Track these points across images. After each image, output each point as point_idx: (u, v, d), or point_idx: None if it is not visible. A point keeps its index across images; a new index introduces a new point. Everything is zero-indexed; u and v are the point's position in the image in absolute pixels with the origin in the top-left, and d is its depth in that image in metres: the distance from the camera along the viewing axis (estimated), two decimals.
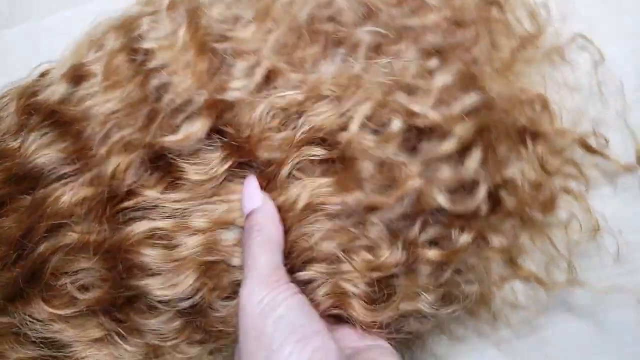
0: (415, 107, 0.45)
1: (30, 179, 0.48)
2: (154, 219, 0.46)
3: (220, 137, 0.47)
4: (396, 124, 0.45)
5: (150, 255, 0.45)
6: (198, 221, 0.46)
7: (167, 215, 0.46)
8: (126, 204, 0.46)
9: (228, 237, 0.47)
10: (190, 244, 0.46)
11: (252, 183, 0.46)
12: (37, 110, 0.50)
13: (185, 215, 0.46)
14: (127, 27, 0.50)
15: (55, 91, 0.50)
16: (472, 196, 0.47)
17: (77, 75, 0.50)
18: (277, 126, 0.46)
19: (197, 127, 0.46)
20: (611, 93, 0.57)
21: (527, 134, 0.53)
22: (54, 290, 0.47)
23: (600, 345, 0.56)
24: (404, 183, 0.45)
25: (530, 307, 0.55)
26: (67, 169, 0.47)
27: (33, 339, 0.48)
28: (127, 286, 0.46)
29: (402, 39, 0.47)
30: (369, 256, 0.45)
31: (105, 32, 0.51)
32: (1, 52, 0.65)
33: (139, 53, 0.48)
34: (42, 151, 0.48)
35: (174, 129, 0.46)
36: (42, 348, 0.48)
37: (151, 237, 0.46)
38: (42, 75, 0.53)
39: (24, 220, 0.47)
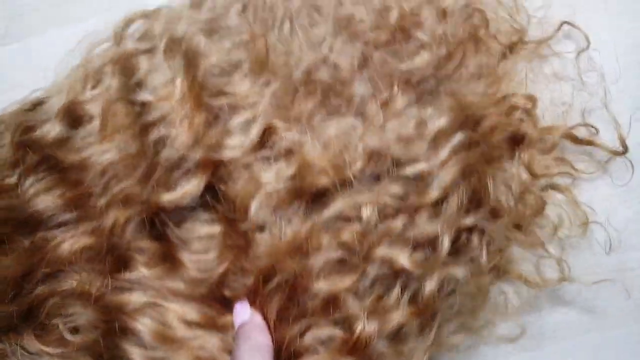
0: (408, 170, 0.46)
1: (30, 223, 0.49)
2: (150, 295, 0.47)
3: (214, 199, 0.47)
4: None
5: (145, 327, 0.46)
6: (191, 314, 0.47)
7: (162, 297, 0.47)
8: (125, 275, 0.47)
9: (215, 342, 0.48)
10: (184, 332, 0.47)
11: (241, 302, 0.47)
12: (32, 148, 0.50)
13: (180, 302, 0.47)
14: (123, 65, 0.50)
15: (51, 130, 0.50)
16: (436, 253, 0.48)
17: (73, 116, 0.50)
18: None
19: (194, 185, 0.46)
20: (595, 81, 0.58)
21: (514, 143, 0.55)
22: (46, 328, 0.48)
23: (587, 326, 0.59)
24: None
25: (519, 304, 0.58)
26: (67, 217, 0.48)
27: None
28: (117, 345, 0.47)
29: (394, 84, 0.48)
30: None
31: (102, 67, 0.50)
32: None
33: (137, 104, 0.47)
34: (42, 197, 0.48)
35: (171, 186, 0.47)
36: None
37: (147, 308, 0.47)
38: (36, 104, 0.53)
39: (24, 262, 0.48)
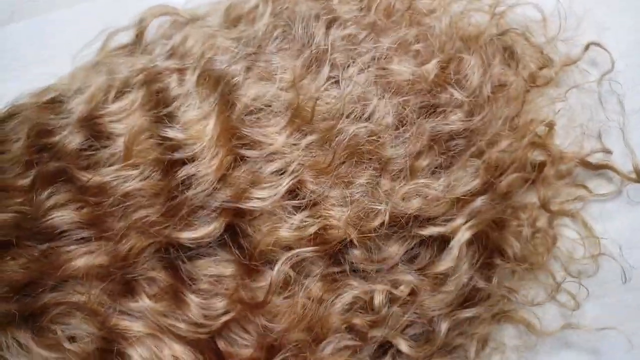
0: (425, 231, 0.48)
1: (44, 234, 0.48)
2: (151, 327, 0.47)
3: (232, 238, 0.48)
4: None
5: (140, 357, 0.47)
6: (184, 357, 0.47)
7: (161, 332, 0.47)
8: (130, 304, 0.47)
9: None
10: None
11: None
12: (49, 151, 0.49)
13: (177, 343, 0.47)
14: (151, 82, 0.48)
15: (71, 141, 0.48)
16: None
17: (95, 130, 0.48)
18: None
19: (215, 227, 0.46)
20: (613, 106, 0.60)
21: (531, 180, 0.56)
22: (44, 332, 0.48)
23: None
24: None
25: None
26: (83, 234, 0.48)
27: None
28: None
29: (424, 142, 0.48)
30: None
31: (127, 80, 0.49)
32: (6, 47, 0.62)
33: (166, 139, 0.47)
34: (58, 211, 0.48)
35: (192, 223, 0.47)
36: None
37: (146, 339, 0.47)
38: (55, 101, 0.51)
39: (32, 270, 0.48)
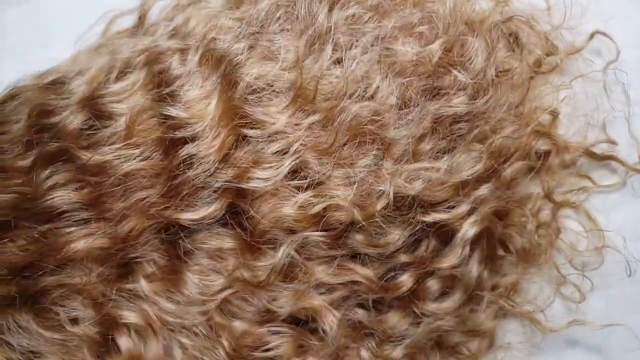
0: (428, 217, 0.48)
1: (43, 215, 0.48)
2: (145, 313, 0.47)
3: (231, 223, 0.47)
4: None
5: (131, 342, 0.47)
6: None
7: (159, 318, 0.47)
8: (127, 285, 0.47)
9: None
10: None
11: None
12: (49, 132, 0.48)
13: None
14: (153, 62, 0.48)
15: (72, 120, 0.48)
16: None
17: (96, 110, 0.48)
18: None
19: (216, 208, 0.46)
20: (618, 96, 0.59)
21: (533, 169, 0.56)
22: (46, 314, 0.48)
23: None
24: None
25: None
26: (83, 215, 0.47)
27: (9, 343, 0.48)
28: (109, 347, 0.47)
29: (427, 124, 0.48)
30: None
31: (129, 60, 0.49)
32: (6, 30, 0.62)
33: (167, 117, 0.46)
34: (58, 192, 0.47)
35: (193, 204, 0.46)
36: (15, 352, 0.48)
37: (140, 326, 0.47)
38: (56, 83, 0.51)
39: (31, 252, 0.47)
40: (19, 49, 0.60)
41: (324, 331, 0.47)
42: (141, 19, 0.56)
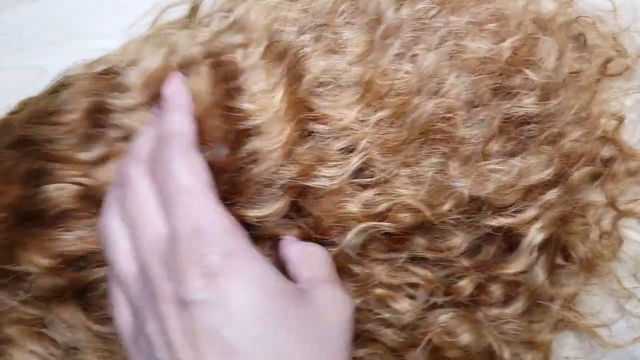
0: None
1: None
2: None
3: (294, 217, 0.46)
4: None
5: None
6: None
7: None
8: None
9: None
10: None
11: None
12: (113, 129, 0.47)
13: None
14: (216, 55, 0.46)
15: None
16: None
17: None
18: None
19: (280, 206, 0.44)
20: None
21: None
22: (96, 306, 0.47)
23: None
24: None
25: None
26: None
27: (52, 338, 0.47)
28: None
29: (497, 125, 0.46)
30: None
31: (190, 56, 0.46)
32: (16, 27, 0.61)
33: (234, 110, 0.44)
34: None
35: (257, 201, 0.44)
36: (57, 347, 0.47)
37: None
38: (107, 72, 0.49)
39: (89, 243, 0.46)
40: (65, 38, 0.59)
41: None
42: (194, 9, 0.54)
